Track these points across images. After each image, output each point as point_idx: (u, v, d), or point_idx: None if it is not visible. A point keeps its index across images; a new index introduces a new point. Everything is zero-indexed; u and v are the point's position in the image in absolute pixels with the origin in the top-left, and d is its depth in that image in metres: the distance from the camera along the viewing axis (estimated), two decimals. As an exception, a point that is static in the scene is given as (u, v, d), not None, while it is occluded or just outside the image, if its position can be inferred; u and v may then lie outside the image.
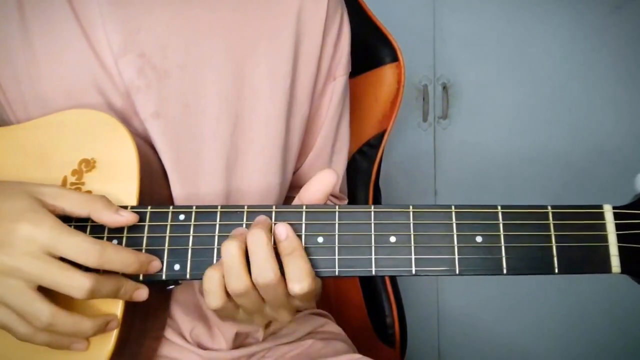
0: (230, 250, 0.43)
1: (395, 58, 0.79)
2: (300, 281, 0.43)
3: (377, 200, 0.85)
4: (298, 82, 0.61)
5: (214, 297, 0.44)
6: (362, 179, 0.84)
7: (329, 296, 0.85)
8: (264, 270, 0.43)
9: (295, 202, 0.48)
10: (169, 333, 0.58)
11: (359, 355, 0.63)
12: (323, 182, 0.46)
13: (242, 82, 0.58)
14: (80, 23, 0.55)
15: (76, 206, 0.45)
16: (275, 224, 0.45)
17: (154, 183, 0.54)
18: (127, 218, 0.46)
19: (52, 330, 0.44)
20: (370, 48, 0.80)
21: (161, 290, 0.54)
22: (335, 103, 0.66)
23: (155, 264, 0.46)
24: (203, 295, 0.46)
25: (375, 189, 0.85)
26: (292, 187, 0.69)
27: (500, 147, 1.31)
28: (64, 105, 0.54)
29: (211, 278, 0.44)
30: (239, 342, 0.62)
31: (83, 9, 0.55)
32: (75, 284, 0.42)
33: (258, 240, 0.43)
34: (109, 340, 0.47)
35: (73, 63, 0.55)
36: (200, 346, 0.60)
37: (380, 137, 0.82)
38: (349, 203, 0.80)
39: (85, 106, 0.54)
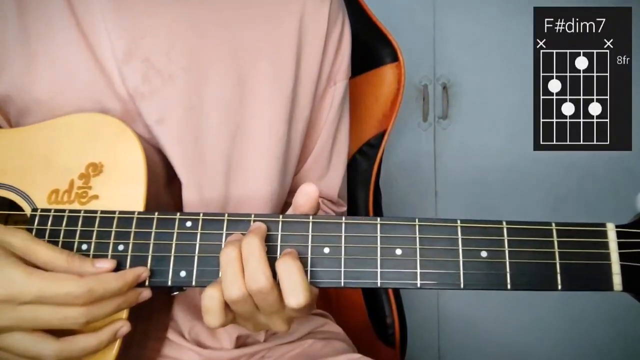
0: (228, 254, 0.43)
1: (395, 58, 0.79)
2: (296, 295, 0.42)
3: (377, 201, 0.85)
4: (300, 87, 0.61)
5: (212, 316, 0.44)
6: (362, 179, 0.84)
7: (329, 296, 0.85)
8: (257, 275, 0.42)
9: (290, 211, 0.48)
10: (167, 332, 0.58)
11: (358, 355, 0.63)
12: (304, 196, 0.46)
13: (244, 86, 0.58)
14: (82, 29, 0.54)
15: (49, 263, 0.44)
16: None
17: (160, 187, 0.53)
18: (106, 267, 0.45)
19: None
20: (370, 48, 0.80)
21: (164, 293, 0.54)
22: (335, 107, 0.66)
23: (143, 276, 0.45)
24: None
25: (376, 189, 0.85)
26: (290, 191, 0.69)
27: (500, 147, 1.31)
28: (56, 112, 0.54)
29: (211, 297, 0.43)
30: (241, 341, 0.62)
31: (85, 15, 0.55)
32: (69, 320, 0.43)
33: (251, 247, 0.43)
34: (113, 346, 0.47)
35: (70, 70, 0.54)
36: (200, 345, 0.60)
37: (380, 137, 0.82)
38: (349, 204, 0.80)
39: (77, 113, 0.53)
